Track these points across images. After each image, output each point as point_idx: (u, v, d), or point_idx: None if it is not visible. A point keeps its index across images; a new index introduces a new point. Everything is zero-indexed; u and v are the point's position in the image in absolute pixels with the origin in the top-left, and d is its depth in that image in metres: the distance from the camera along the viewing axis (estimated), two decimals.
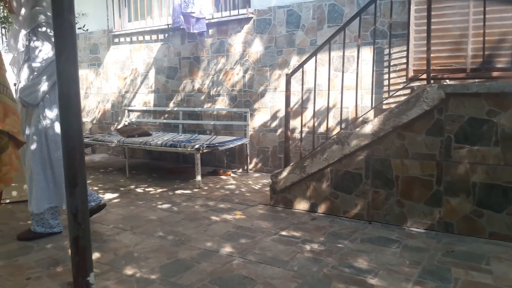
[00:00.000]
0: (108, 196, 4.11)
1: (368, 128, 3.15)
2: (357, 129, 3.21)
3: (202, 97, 5.58)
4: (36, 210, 2.89)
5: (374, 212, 3.20)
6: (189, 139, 4.92)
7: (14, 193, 3.95)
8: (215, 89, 5.44)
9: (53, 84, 2.87)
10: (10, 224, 3.29)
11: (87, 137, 5.54)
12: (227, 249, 2.74)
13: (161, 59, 5.88)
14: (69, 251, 2.51)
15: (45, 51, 2.86)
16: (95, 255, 2.65)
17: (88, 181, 4.73)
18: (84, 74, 6.82)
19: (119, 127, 6.39)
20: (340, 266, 2.44)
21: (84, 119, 6.90)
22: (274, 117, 5.01)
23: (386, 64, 4.20)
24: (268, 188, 3.94)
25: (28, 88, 2.83)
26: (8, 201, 3.89)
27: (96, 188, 4.42)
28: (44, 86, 2.84)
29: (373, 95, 3.62)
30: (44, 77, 2.84)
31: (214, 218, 3.40)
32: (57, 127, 2.92)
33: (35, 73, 2.83)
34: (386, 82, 4.18)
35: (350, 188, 3.28)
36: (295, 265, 2.47)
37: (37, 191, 2.89)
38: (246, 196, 4.09)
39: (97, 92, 6.71)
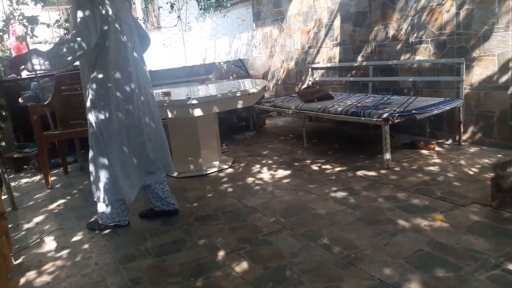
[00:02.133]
0: (280, 173, 3.59)
1: None
2: None
3: (398, 47, 4.39)
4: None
5: None
6: (378, 104, 3.91)
7: (191, 167, 3.85)
8: (415, 35, 4.17)
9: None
10: (181, 201, 3.12)
11: (268, 102, 5.16)
12: (413, 285, 1.81)
13: (347, 4, 4.88)
14: (218, 254, 1.99)
15: None
16: (242, 266, 2.13)
17: (264, 152, 4.34)
18: (268, 32, 6.41)
19: (303, 87, 5.81)
20: None
21: (269, 81, 6.59)
22: (504, 68, 3.48)
23: None
24: (489, 176, 2.68)
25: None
26: (183, 175, 3.81)
27: (270, 161, 3.96)
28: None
29: None
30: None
31: (401, 222, 2.45)
32: None
33: None
34: None
35: None
36: None
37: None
38: (453, 187, 2.92)
39: (281, 50, 6.23)
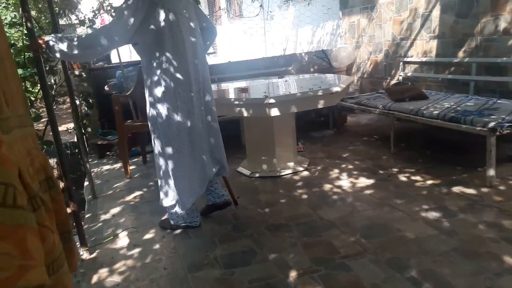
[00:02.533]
0: (361, 182, 3.27)
1: None
2: None
3: (510, 42, 3.77)
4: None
5: None
6: (482, 108, 3.39)
7: (264, 167, 3.68)
8: None
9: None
10: (253, 204, 2.98)
11: (352, 98, 4.79)
12: None
13: None
14: (290, 274, 1.79)
15: None
16: None
17: (344, 155, 4.02)
18: (356, 21, 5.97)
19: (392, 83, 5.33)
20: None
21: (354, 73, 6.17)
22: None
23: None
24: None
25: None
26: (257, 175, 3.65)
27: (350, 167, 3.65)
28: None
29: None
30: None
31: (509, 260, 2.04)
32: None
33: None
34: None
35: None
36: None
37: None
38: None
39: (369, 40, 5.77)
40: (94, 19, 4.72)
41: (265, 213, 2.88)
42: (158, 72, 2.38)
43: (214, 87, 4.32)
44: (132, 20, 2.24)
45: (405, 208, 2.73)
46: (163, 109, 2.43)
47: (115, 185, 3.84)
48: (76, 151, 5.21)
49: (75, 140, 5.20)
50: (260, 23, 8.64)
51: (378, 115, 4.60)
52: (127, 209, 3.22)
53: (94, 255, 2.54)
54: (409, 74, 5.04)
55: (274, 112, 3.07)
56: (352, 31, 6.10)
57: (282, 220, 2.73)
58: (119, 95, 3.99)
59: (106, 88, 4.88)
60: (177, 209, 2.66)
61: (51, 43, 2.20)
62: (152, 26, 2.29)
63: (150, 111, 2.51)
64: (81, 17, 4.70)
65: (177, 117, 2.43)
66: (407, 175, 3.33)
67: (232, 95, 3.65)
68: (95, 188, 3.57)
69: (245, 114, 3.14)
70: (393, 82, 5.29)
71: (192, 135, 2.51)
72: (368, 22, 5.70)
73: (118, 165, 4.46)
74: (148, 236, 2.72)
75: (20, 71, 4.11)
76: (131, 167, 4.19)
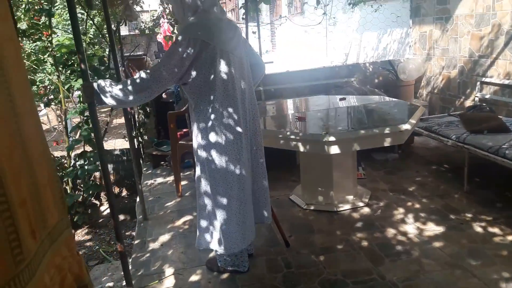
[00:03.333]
0: (429, 229, 2.94)
1: None
2: None
3: None
4: None
5: None
6: None
7: (320, 198, 3.44)
8: None
9: None
10: (306, 248, 2.76)
11: (420, 120, 4.37)
12: None
13: None
14: None
15: None
16: None
17: (410, 188, 3.67)
18: (428, 31, 5.46)
19: (466, 103, 4.83)
20: None
21: (422, 87, 5.68)
22: None
23: None
24: None
25: None
26: (312, 207, 3.42)
27: (417, 206, 3.31)
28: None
29: None
30: None
31: None
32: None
33: None
34: None
35: None
36: None
37: None
38: None
39: (441, 54, 5.26)
40: (154, 28, 4.69)
41: (319, 262, 2.65)
42: (207, 113, 2.25)
43: (270, 108, 4.12)
44: (182, 61, 2.12)
45: (481, 274, 2.38)
46: (210, 150, 2.28)
47: (167, 204, 3.79)
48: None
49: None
50: (323, 23, 8.28)
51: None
52: (175, 238, 3.13)
53: None
54: (487, 96, 4.52)
55: (334, 150, 2.81)
56: (422, 41, 5.60)
57: (339, 275, 2.49)
58: (175, 112, 3.90)
59: (163, 96, 4.87)
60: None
61: (106, 88, 2.10)
62: (202, 67, 2.17)
63: (197, 150, 2.37)
64: (142, 27, 4.68)
65: (226, 160, 2.28)
66: (483, 224, 2.94)
67: (288, 122, 3.43)
68: (146, 209, 3.52)
69: (301, 149, 2.92)
70: (468, 103, 4.79)
71: (241, 179, 2.34)
72: (442, 34, 5.19)
73: (170, 178, 4.41)
74: (194, 278, 2.60)
75: (80, 81, 4.16)
76: (183, 182, 4.12)
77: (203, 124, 2.27)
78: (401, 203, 3.38)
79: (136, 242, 3.17)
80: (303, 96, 5.23)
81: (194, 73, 2.18)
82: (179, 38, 2.14)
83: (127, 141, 5.26)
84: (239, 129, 2.29)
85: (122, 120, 7.14)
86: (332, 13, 6.51)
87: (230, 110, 2.25)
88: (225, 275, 2.59)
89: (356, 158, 3.60)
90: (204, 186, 2.39)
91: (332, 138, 2.77)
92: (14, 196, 0.82)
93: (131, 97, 2.11)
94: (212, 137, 2.25)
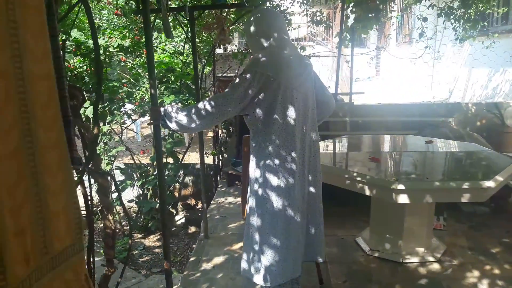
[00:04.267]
0: None
1: None
2: None
3: None
4: None
5: None
6: None
7: (387, 246, 3.18)
8: None
9: None
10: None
11: None
12: None
13: None
14: None
15: None
16: None
17: (494, 249, 3.19)
18: None
19: None
20: None
21: None
22: None
23: None
24: None
25: None
26: (376, 254, 3.17)
27: (496, 272, 2.85)
28: None
29: None
30: None
31: None
32: None
33: None
34: None
35: None
36: None
37: None
38: None
39: None
40: (245, 52, 4.86)
41: None
42: (265, 148, 2.23)
43: (347, 142, 3.96)
44: (246, 93, 2.14)
45: None
46: (265, 187, 2.25)
47: (230, 225, 3.84)
48: (211, 172, 5.48)
49: (211, 162, 5.45)
50: (429, 53, 7.78)
51: None
52: (229, 262, 3.14)
53: None
54: None
55: (403, 199, 2.58)
56: None
57: None
58: (248, 136, 3.95)
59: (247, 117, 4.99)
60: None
61: (172, 114, 2.20)
62: (264, 101, 2.17)
63: (253, 183, 2.33)
64: (233, 50, 4.88)
65: (277, 198, 2.24)
66: None
67: (360, 161, 3.25)
68: (208, 228, 3.61)
69: (367, 193, 2.73)
70: None
71: (291, 218, 2.28)
72: None
73: (240, 200, 4.47)
74: None
75: (172, 97, 4.47)
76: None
77: (260, 159, 2.26)
78: (478, 265, 2.96)
79: (191, 259, 3.25)
80: (392, 132, 4.95)
81: (255, 107, 2.20)
82: (246, 71, 2.18)
83: (208, 157, 5.49)
84: (294, 168, 2.25)
85: (207, 136, 7.51)
86: (439, 46, 6.09)
87: (288, 148, 2.22)
88: None
89: (437, 206, 3.26)
90: (254, 219, 2.35)
91: (401, 187, 2.55)
92: (9, 226, 0.90)
93: (193, 125, 2.18)
94: (268, 174, 2.23)
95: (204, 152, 5.50)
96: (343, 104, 5.42)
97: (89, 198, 2.42)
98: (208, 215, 4.09)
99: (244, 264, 2.46)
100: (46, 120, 1.06)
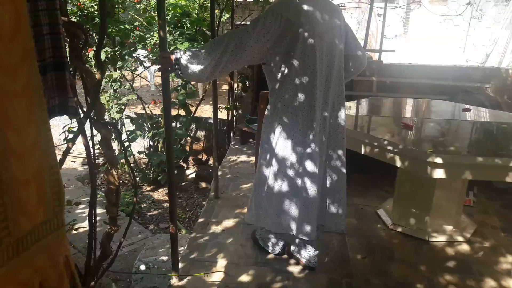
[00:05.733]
0: None
1: None
2: None
3: None
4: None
5: None
6: None
7: (412, 221, 2.93)
8: None
9: None
10: (378, 278, 2.36)
11: None
12: None
13: None
14: None
15: None
16: None
17: None
18: None
19: None
20: None
21: None
22: None
23: None
24: None
25: None
26: (399, 229, 2.93)
27: None
28: None
29: None
30: None
31: None
32: None
33: None
34: None
35: None
36: None
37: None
38: None
39: None
40: None
41: None
42: (282, 95, 2.11)
43: (375, 104, 3.62)
44: (264, 33, 1.97)
45: None
46: (280, 132, 2.15)
47: (242, 185, 3.62)
48: (224, 128, 5.21)
49: (225, 117, 5.16)
50: (466, 14, 7.16)
51: None
52: (239, 226, 2.93)
53: (183, 282, 2.34)
54: None
55: (438, 174, 2.29)
56: None
57: None
58: (266, 92, 3.63)
59: None
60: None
61: (183, 61, 1.96)
62: (282, 46, 2.02)
63: (266, 126, 2.28)
64: None
65: (293, 146, 2.14)
66: None
67: (390, 127, 2.94)
68: (218, 188, 3.39)
69: (398, 164, 2.44)
70: None
71: (306, 172, 2.16)
72: None
73: (254, 159, 4.23)
74: (244, 278, 2.37)
75: (186, 44, 4.12)
76: None
77: (278, 104, 2.13)
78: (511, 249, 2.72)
79: (200, 220, 3.05)
80: (421, 96, 4.57)
81: (272, 53, 2.05)
82: (266, 11, 2.03)
83: (221, 111, 5.18)
84: (311, 119, 2.10)
85: (221, 89, 7.17)
86: (480, 4, 5.53)
87: (308, 97, 2.07)
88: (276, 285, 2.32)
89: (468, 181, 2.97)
90: (265, 165, 2.28)
91: (438, 160, 2.24)
92: None
93: (207, 72, 1.98)
94: (283, 119, 2.12)
95: (218, 106, 5.22)
96: (371, 62, 5.01)
97: (91, 150, 2.22)
98: (219, 173, 3.88)
99: (248, 212, 2.46)
100: (7, 57, 0.78)
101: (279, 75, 2.08)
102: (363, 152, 2.61)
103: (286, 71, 2.05)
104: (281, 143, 2.13)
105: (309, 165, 2.12)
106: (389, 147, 2.45)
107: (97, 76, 2.01)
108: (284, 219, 2.25)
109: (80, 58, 2.00)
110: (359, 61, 2.29)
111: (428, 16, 9.63)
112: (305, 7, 1.99)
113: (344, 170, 2.26)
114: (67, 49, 1.92)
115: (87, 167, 2.77)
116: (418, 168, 2.36)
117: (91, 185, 2.01)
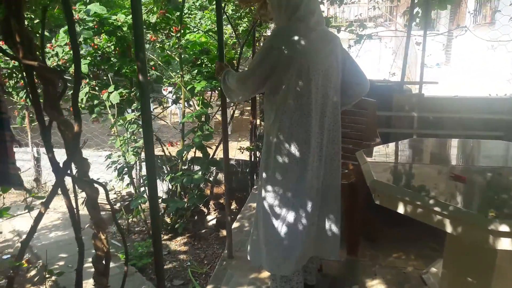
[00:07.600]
0: None
1: None
2: None
3: None
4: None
5: None
6: None
7: None
8: None
9: None
10: None
11: None
12: None
13: None
14: None
15: None
16: None
17: None
18: None
19: None
20: None
21: None
22: None
23: None
24: None
25: None
26: None
27: None
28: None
29: None
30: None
31: None
32: None
33: None
34: None
35: None
36: None
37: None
38: None
39: None
40: None
41: None
42: (275, 126, 2.12)
43: (415, 146, 3.07)
44: (263, 70, 2.08)
45: None
46: (275, 167, 2.15)
47: None
48: (247, 170, 4.80)
49: (247, 158, 4.77)
50: None
51: None
52: None
53: None
54: None
55: (504, 245, 1.73)
56: None
57: None
58: None
59: None
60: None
61: (226, 77, 2.30)
62: (276, 77, 2.08)
63: (263, 160, 2.24)
64: None
65: (286, 180, 2.13)
66: None
67: (435, 178, 2.39)
68: (232, 246, 2.94)
69: (449, 230, 1.90)
70: None
71: (298, 202, 2.14)
72: None
73: None
74: None
75: (203, 83, 3.82)
76: None
77: (274, 140, 2.13)
78: None
79: (208, 287, 2.61)
80: (471, 133, 3.98)
81: (268, 83, 2.12)
82: (265, 46, 2.11)
83: (242, 152, 4.78)
84: (306, 150, 2.12)
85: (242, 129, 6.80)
86: None
87: (302, 132, 2.09)
88: None
89: None
90: (261, 202, 2.23)
91: (504, 228, 1.69)
92: None
93: (231, 94, 2.33)
94: (277, 154, 2.13)
95: (239, 147, 4.84)
96: (410, 95, 4.49)
97: (75, 212, 1.94)
98: (236, 225, 3.45)
99: (249, 248, 2.40)
100: None
101: (273, 105, 2.12)
102: (402, 212, 2.08)
103: (279, 100, 2.09)
104: (275, 179, 2.14)
105: (304, 200, 2.13)
106: (436, 208, 1.92)
107: (76, 128, 1.75)
108: (291, 257, 2.18)
109: (56, 108, 1.74)
110: (360, 87, 2.31)
111: (473, 41, 8.98)
112: (297, 37, 2.02)
113: (339, 198, 2.29)
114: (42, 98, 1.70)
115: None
116: (476, 236, 1.81)
117: (79, 250, 1.75)
